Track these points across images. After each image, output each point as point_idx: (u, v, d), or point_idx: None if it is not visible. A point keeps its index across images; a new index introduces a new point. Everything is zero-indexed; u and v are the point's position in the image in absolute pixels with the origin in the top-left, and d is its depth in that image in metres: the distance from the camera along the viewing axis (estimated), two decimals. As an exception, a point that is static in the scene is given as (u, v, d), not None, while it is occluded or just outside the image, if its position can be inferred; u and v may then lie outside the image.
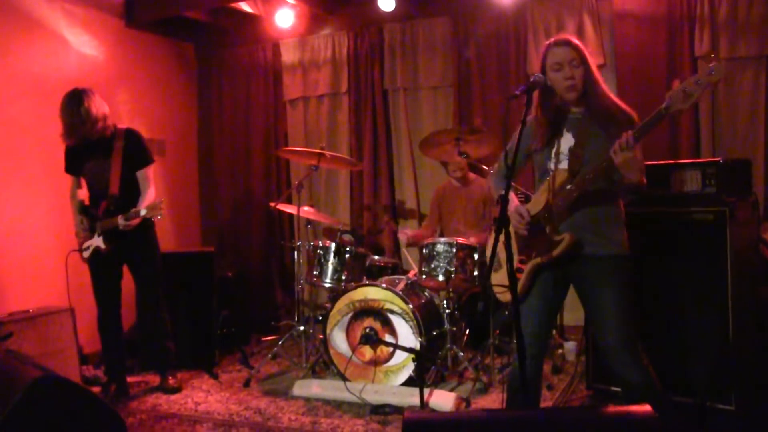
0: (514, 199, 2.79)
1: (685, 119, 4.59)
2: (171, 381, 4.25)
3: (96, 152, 4.02)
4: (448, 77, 5.40)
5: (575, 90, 2.60)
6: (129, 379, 4.34)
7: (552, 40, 2.68)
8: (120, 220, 3.86)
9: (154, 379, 4.41)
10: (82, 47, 5.09)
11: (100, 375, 4.49)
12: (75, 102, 3.87)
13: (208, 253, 5.00)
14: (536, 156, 2.76)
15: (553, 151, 2.67)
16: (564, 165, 2.63)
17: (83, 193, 4.18)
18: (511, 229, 2.71)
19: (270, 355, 4.64)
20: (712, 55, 2.24)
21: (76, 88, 3.93)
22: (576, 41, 2.63)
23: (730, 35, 4.47)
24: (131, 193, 4.05)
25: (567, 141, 2.65)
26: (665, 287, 3.34)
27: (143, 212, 3.85)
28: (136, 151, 4.08)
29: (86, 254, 4.06)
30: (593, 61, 2.65)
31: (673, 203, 3.35)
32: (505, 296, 2.78)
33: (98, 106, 3.92)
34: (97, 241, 4.00)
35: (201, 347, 4.79)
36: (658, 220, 3.36)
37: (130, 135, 4.09)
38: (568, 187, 2.58)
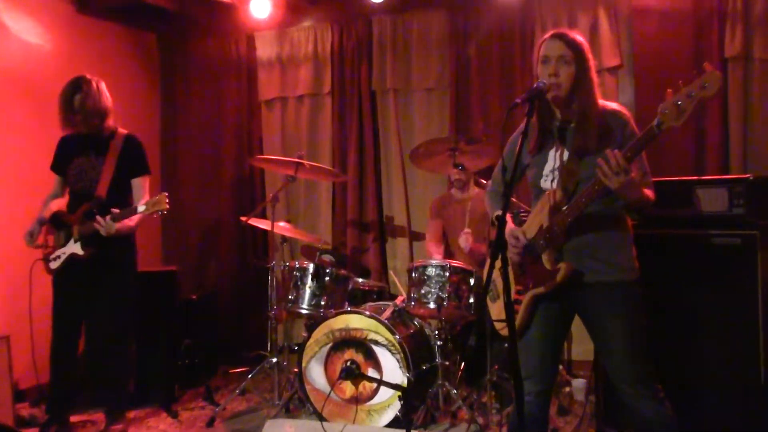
0: (508, 221, 2.80)
1: (712, 129, 4.63)
2: (115, 428, 4.11)
3: (88, 148, 4.06)
4: (444, 78, 5.43)
5: (557, 89, 2.60)
6: (72, 419, 4.26)
7: (549, 32, 2.70)
8: (103, 222, 3.79)
9: (103, 418, 4.34)
10: (25, 35, 5.05)
11: (38, 414, 4.42)
12: (71, 89, 3.97)
13: (170, 272, 4.99)
14: (528, 171, 2.79)
15: (547, 167, 2.70)
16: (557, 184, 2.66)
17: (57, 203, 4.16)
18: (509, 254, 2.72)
19: (238, 390, 4.61)
20: (705, 65, 2.22)
21: (81, 75, 4.02)
22: (574, 37, 2.65)
23: (765, 34, 4.51)
24: (119, 201, 4.02)
25: (560, 155, 2.67)
26: (686, 318, 3.35)
27: (141, 208, 3.81)
28: (134, 157, 4.13)
29: (55, 264, 4.01)
30: (593, 65, 2.66)
31: (695, 225, 3.36)
32: (506, 331, 2.79)
33: (98, 99, 4.00)
34: (74, 248, 3.95)
35: (159, 380, 4.75)
36: (679, 243, 3.38)
37: (131, 139, 4.16)
38: (563, 209, 2.59)
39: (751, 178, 3.30)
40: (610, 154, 2.35)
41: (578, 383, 4.46)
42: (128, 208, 3.87)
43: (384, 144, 5.69)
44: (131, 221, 3.92)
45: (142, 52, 6.23)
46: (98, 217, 3.82)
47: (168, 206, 3.78)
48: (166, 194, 3.79)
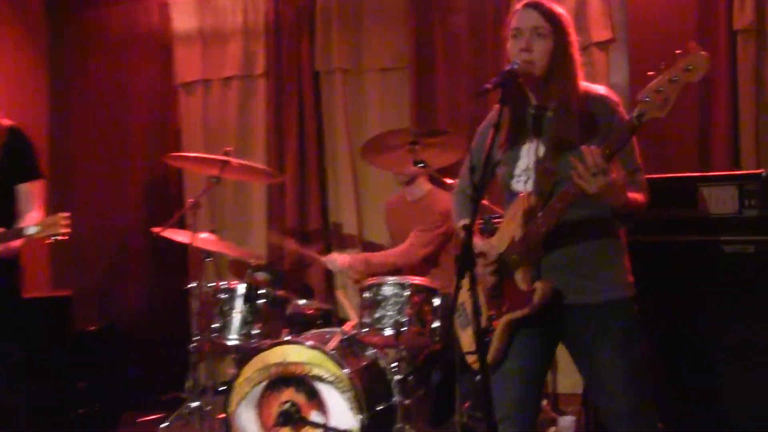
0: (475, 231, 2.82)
1: (719, 116, 4.73)
2: None
3: None
4: (403, 56, 5.49)
5: (530, 66, 2.60)
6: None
7: (522, 1, 2.70)
8: None
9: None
10: None
11: None
12: None
13: (61, 298, 4.97)
14: (499, 170, 2.78)
15: (520, 165, 2.71)
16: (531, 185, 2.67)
17: None
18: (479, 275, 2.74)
19: (149, 444, 4.60)
20: (689, 44, 2.30)
21: None
22: (552, 7, 2.66)
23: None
24: (1, 212, 3.94)
25: (536, 150, 2.69)
26: (693, 341, 3.42)
27: (32, 230, 3.70)
28: (21, 157, 3.97)
29: None
30: (574, 40, 2.67)
31: (701, 230, 3.44)
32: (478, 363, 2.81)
33: None
34: None
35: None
36: (682, 252, 3.45)
37: (17, 133, 3.98)
38: (538, 216, 2.59)
39: (765, 173, 3.38)
40: (587, 151, 2.34)
41: (565, 421, 4.51)
42: (14, 228, 3.77)
43: (329, 137, 5.73)
44: (16, 243, 3.85)
45: (24, 20, 6.15)
46: None
47: (67, 231, 3.69)
48: (65, 215, 3.72)
